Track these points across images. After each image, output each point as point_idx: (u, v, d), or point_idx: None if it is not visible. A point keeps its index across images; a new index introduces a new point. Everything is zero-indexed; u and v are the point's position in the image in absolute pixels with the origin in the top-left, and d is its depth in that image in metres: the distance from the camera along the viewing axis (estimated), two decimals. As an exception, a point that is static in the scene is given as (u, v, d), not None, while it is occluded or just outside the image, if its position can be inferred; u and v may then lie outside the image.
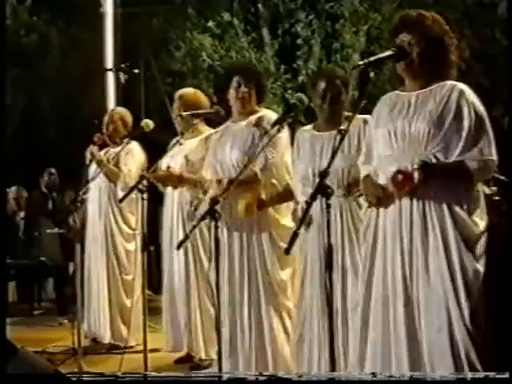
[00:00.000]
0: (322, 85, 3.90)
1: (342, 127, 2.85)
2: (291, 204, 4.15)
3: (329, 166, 2.83)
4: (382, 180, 3.12)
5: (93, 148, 5.82)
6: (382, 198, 3.07)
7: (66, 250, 7.51)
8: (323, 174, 2.76)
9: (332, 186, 2.74)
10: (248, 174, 4.07)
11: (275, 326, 4.17)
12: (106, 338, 5.81)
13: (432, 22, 3.17)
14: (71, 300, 5.78)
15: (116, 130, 5.96)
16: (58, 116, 11.62)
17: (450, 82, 3.13)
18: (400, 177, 2.97)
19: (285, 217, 4.21)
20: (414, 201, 3.03)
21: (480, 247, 3.03)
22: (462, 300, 2.93)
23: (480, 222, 3.05)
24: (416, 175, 2.95)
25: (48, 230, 7.92)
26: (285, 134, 4.21)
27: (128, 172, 5.73)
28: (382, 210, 3.12)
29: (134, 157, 5.77)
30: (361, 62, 3.16)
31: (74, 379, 3.11)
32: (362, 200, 3.66)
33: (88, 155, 5.83)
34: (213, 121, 5.02)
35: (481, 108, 3.08)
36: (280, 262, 4.17)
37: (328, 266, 2.60)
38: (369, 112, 3.40)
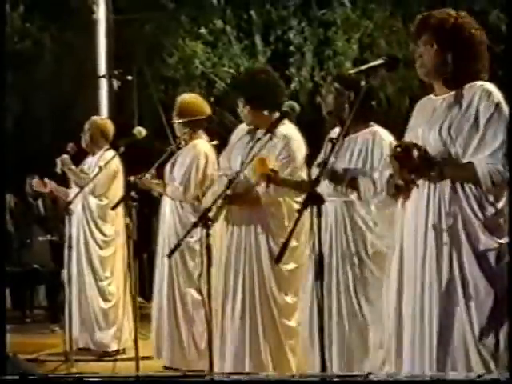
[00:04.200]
0: (330, 88, 3.94)
1: (334, 136, 2.86)
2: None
3: (320, 174, 2.83)
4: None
5: (63, 157, 5.86)
6: (396, 191, 3.03)
7: (57, 256, 7.51)
8: (315, 183, 2.76)
9: (323, 195, 2.74)
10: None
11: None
12: (80, 343, 5.83)
13: (456, 22, 3.03)
14: (63, 307, 5.79)
15: (93, 139, 5.99)
16: (50, 123, 11.61)
17: (476, 84, 2.98)
18: (399, 149, 2.93)
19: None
20: (430, 213, 2.94)
21: (493, 261, 2.89)
22: (473, 314, 2.86)
23: (497, 235, 2.90)
24: (416, 152, 2.86)
25: (40, 238, 7.92)
26: (296, 138, 4.26)
27: (97, 181, 5.72)
28: (404, 225, 3.06)
29: (106, 166, 5.65)
30: (352, 71, 3.16)
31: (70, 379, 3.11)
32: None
33: (58, 163, 5.87)
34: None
35: (501, 109, 2.91)
36: (281, 285, 4.22)
37: (319, 274, 2.60)
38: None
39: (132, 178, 4.92)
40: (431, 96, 3.15)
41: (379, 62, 3.12)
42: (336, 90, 3.89)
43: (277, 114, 4.23)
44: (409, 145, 2.93)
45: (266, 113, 4.30)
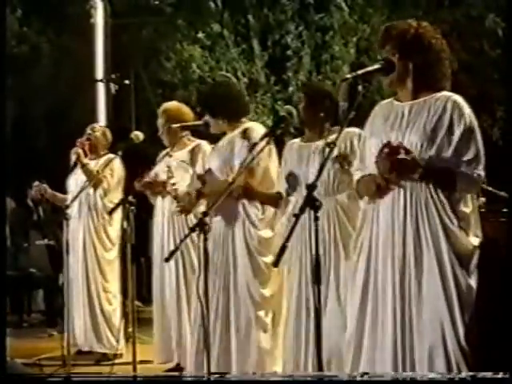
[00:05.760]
0: (301, 97, 4.02)
1: (330, 140, 2.87)
2: (268, 216, 4.27)
3: (317, 179, 2.85)
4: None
5: (78, 150, 5.91)
6: (376, 190, 3.08)
7: (54, 261, 7.52)
8: (311, 187, 2.77)
9: (320, 199, 2.76)
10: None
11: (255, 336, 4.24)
12: (86, 346, 5.87)
13: (417, 33, 3.14)
14: (60, 311, 5.81)
15: (97, 142, 6.08)
16: (48, 127, 11.61)
17: (444, 94, 3.11)
18: (386, 150, 2.97)
19: (264, 229, 4.29)
20: (408, 216, 3.01)
21: (473, 263, 3.01)
22: (457, 316, 2.91)
23: (473, 237, 3.04)
24: (402, 152, 2.94)
25: (37, 242, 7.92)
26: (258, 128, 4.37)
27: (110, 179, 5.83)
28: (375, 224, 3.11)
29: (113, 167, 5.85)
30: (349, 75, 3.18)
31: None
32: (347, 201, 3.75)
33: (73, 157, 5.92)
34: (201, 133, 5.09)
35: (473, 121, 3.07)
36: (258, 278, 4.24)
37: (316, 278, 2.61)
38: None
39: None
40: (393, 101, 3.22)
41: (376, 66, 3.16)
42: (309, 99, 3.97)
43: (243, 121, 4.46)
44: (397, 145, 2.98)
45: (226, 121, 4.46)
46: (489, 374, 2.74)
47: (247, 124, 4.46)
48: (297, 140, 4.16)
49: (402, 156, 2.95)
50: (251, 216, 4.30)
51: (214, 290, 4.25)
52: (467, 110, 3.08)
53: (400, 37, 3.14)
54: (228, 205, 4.25)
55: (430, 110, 3.07)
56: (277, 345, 4.22)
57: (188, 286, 5.12)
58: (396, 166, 2.96)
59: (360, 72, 3.12)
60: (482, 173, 3.05)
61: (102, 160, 5.97)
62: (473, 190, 3.13)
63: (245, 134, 4.32)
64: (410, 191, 3.04)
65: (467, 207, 3.06)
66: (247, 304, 4.24)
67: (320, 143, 3.87)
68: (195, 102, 5.13)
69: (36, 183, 6.19)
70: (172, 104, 5.50)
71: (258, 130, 4.33)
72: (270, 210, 4.33)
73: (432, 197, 3.02)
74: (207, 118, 4.56)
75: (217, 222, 4.35)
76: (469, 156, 3.02)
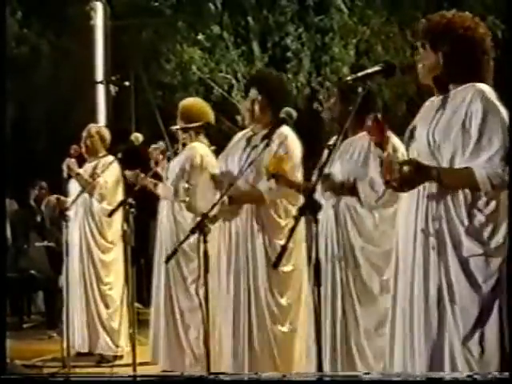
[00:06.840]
0: (334, 93, 3.98)
1: (330, 142, 2.87)
2: (289, 224, 4.21)
3: (316, 181, 2.85)
4: None
5: (70, 161, 5.90)
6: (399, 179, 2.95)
7: (54, 263, 7.52)
8: (311, 190, 2.77)
9: (320, 201, 2.75)
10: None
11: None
12: (85, 347, 5.87)
13: (449, 22, 3.01)
14: (60, 313, 5.81)
15: (93, 144, 6.06)
16: (48, 129, 11.62)
17: (470, 84, 2.93)
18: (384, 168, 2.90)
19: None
20: (419, 216, 2.92)
21: (481, 269, 2.83)
22: (458, 316, 2.86)
23: (490, 241, 2.84)
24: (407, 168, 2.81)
25: (37, 243, 7.92)
26: (292, 136, 4.28)
27: (104, 183, 5.81)
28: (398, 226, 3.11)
29: (109, 170, 5.80)
30: (349, 77, 3.17)
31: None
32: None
33: (65, 168, 5.90)
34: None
35: (496, 112, 2.84)
36: (276, 286, 4.23)
37: (316, 280, 2.62)
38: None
39: (128, 172, 4.99)
40: (434, 98, 3.13)
41: (377, 68, 3.12)
42: (342, 94, 3.91)
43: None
44: (400, 163, 2.87)
45: (267, 108, 4.29)
46: (489, 374, 2.72)
47: (288, 134, 4.28)
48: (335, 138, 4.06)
49: (405, 170, 2.82)
50: (273, 223, 4.25)
51: (234, 293, 4.23)
52: (490, 99, 2.86)
53: (431, 28, 3.03)
54: (250, 209, 4.24)
55: (451, 102, 2.94)
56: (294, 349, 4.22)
57: (180, 289, 5.09)
58: (401, 182, 2.87)
59: (360, 74, 3.09)
60: (507, 169, 2.77)
61: (101, 162, 5.94)
62: (499, 186, 2.79)
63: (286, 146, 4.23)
64: (422, 191, 2.94)
65: (481, 210, 2.86)
66: (264, 313, 4.20)
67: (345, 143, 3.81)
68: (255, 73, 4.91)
69: (53, 197, 6.15)
70: (186, 102, 5.28)
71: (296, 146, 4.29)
72: (292, 218, 4.27)
73: (444, 197, 2.90)
74: (254, 92, 4.34)
75: (237, 226, 4.29)
76: (490, 152, 2.80)
